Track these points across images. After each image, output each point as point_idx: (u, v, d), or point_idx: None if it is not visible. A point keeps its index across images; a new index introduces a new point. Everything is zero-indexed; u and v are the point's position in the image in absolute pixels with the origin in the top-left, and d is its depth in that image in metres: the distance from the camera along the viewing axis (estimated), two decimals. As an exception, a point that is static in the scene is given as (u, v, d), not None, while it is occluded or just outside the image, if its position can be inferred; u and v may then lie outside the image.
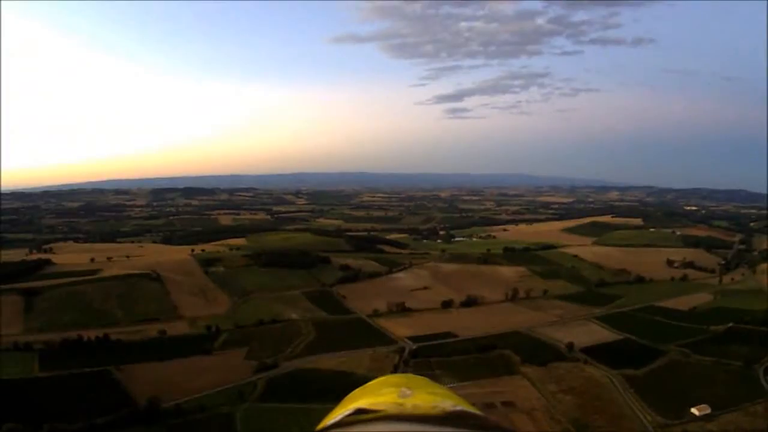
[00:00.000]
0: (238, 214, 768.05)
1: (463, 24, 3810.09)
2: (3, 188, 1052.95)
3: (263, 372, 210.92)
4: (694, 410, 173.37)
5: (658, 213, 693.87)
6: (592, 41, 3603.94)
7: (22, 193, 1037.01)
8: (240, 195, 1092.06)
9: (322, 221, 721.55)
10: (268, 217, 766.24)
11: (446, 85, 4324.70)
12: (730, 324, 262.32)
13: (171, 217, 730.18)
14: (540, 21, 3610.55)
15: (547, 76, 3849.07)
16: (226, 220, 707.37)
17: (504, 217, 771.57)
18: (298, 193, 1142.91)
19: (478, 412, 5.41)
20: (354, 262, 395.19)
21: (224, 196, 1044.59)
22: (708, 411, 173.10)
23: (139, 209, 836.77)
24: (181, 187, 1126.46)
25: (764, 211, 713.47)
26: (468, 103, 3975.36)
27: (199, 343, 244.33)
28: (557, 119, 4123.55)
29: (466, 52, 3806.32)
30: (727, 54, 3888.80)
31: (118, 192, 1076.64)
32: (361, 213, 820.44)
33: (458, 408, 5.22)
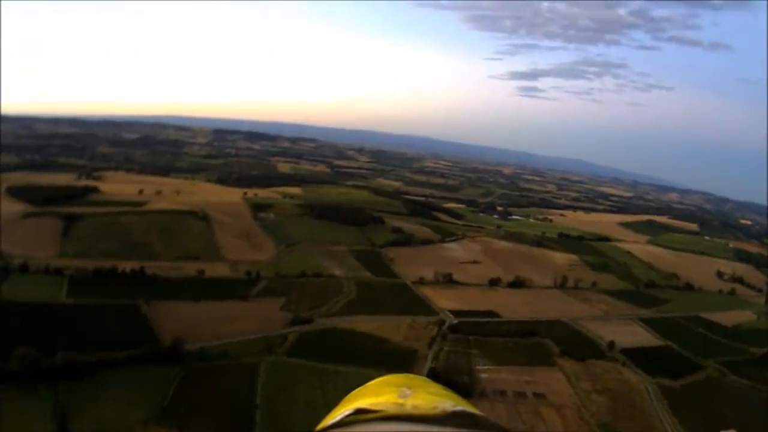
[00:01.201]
0: (298, 163, 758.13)
1: (545, 4, 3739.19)
2: (62, 114, 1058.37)
3: (297, 326, 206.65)
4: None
5: (714, 222, 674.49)
6: (670, 39, 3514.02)
7: (82, 120, 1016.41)
8: (302, 144, 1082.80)
9: (382, 181, 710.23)
10: (328, 170, 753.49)
11: (521, 63, 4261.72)
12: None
13: (229, 159, 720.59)
14: (622, 12, 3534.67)
15: (622, 68, 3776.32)
16: (284, 167, 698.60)
17: (563, 201, 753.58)
18: (360, 150, 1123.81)
19: (478, 412, 5.32)
20: (407, 225, 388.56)
21: (286, 144, 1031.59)
22: None
23: (198, 147, 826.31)
24: (245, 130, 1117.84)
25: None
26: (541, 83, 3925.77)
27: (237, 288, 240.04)
28: (627, 112, 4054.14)
29: (545, 32, 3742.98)
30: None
31: (180, 128, 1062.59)
32: (421, 178, 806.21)
33: (458, 408, 5.09)
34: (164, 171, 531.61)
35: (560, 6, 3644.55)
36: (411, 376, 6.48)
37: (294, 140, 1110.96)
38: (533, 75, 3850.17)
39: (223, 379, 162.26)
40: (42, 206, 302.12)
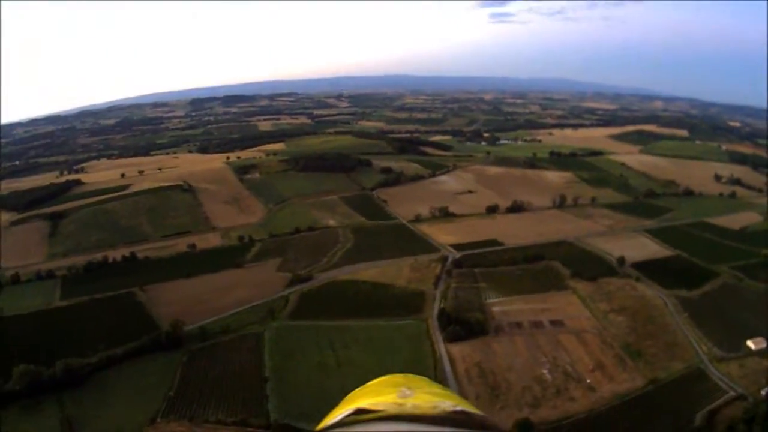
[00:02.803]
0: (278, 119, 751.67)
1: None
2: (39, 114, 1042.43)
3: (297, 285, 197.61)
4: (750, 343, 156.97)
5: (703, 126, 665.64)
6: None
7: (59, 116, 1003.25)
8: (281, 100, 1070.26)
9: (364, 124, 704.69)
10: (309, 121, 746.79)
11: None
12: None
13: (209, 126, 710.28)
14: None
15: None
16: (265, 125, 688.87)
17: (549, 121, 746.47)
18: (339, 97, 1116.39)
19: (478, 412, 5.38)
20: (396, 164, 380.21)
21: (264, 102, 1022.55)
22: (764, 345, 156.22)
23: (178, 120, 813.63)
24: (221, 96, 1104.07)
25: None
26: (512, 7, 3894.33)
27: (231, 256, 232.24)
28: (602, 27, 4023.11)
29: None
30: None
31: (156, 105, 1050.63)
32: (403, 115, 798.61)
33: (458, 408, 5.22)
34: (145, 150, 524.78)
35: None
36: (411, 376, 6.65)
37: (272, 97, 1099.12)
38: (502, 1, 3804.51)
39: (228, 355, 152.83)
40: (26, 211, 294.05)
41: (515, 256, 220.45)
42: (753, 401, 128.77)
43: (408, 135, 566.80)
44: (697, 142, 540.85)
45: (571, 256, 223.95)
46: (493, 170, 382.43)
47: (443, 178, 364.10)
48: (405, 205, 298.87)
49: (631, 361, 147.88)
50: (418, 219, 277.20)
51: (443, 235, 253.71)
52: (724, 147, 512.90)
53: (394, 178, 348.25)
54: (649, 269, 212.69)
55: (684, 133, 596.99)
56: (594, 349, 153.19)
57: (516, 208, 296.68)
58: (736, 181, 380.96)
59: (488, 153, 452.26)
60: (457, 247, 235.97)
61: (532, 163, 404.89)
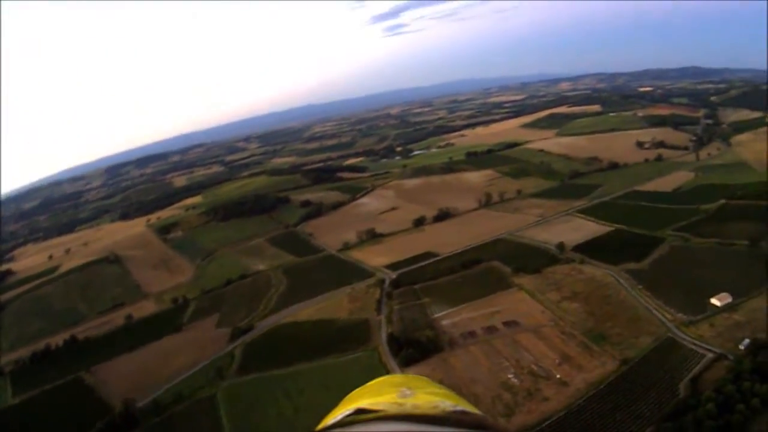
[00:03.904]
0: (192, 173, 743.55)
1: None
2: None
3: (239, 338, 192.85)
4: (714, 301, 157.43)
5: (614, 97, 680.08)
6: None
7: None
8: (192, 152, 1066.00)
9: (277, 161, 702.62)
10: (222, 168, 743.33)
11: (382, 5, 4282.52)
12: (722, 201, 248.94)
13: (127, 191, 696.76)
14: None
15: None
16: (180, 181, 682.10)
17: (459, 123, 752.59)
18: (248, 139, 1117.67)
19: (477, 412, 5.52)
20: (314, 196, 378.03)
21: (176, 158, 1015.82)
22: (729, 300, 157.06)
23: (96, 191, 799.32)
24: (135, 158, 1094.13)
25: (722, 85, 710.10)
26: (404, 18, 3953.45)
27: (169, 321, 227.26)
28: (498, 20, 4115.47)
29: None
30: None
31: (74, 179, 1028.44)
32: (314, 145, 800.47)
33: (458, 408, 5.38)
34: (69, 228, 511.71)
35: None
36: (411, 376, 6.80)
37: (183, 151, 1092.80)
38: (395, 12, 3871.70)
39: (186, 425, 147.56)
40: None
41: (452, 265, 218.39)
42: (735, 358, 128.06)
43: (321, 164, 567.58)
44: (612, 114, 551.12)
45: (509, 253, 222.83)
46: (412, 182, 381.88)
47: (364, 200, 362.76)
48: (331, 234, 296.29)
49: (596, 347, 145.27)
50: (346, 246, 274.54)
51: (375, 257, 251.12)
52: (640, 113, 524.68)
53: (316, 210, 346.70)
54: (591, 249, 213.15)
55: (596, 108, 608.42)
56: (555, 342, 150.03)
57: (443, 216, 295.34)
58: (660, 144, 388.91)
59: (404, 166, 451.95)
60: (392, 266, 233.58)
61: (450, 167, 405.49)
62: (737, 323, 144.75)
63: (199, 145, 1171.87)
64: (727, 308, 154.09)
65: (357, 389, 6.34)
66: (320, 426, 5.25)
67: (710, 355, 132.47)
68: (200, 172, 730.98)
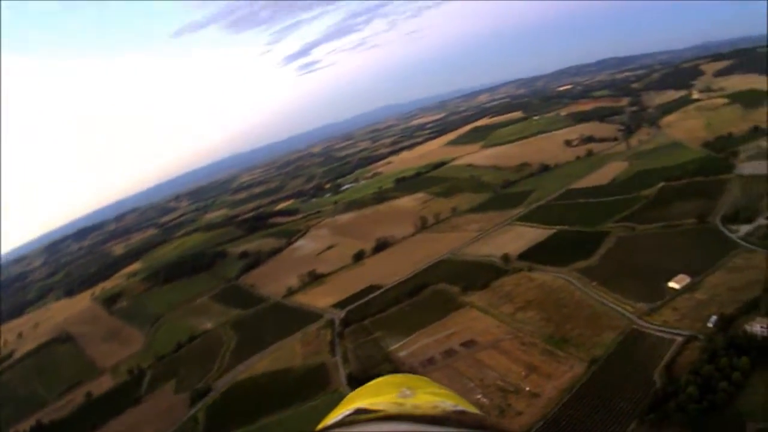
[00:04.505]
0: (129, 239, 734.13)
1: None
2: None
3: (199, 402, 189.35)
4: (672, 284, 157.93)
5: (534, 101, 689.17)
6: None
7: None
8: (127, 219, 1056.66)
9: (209, 216, 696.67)
10: (158, 230, 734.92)
11: (291, 44, 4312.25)
12: (662, 184, 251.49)
13: (68, 267, 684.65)
14: None
15: (388, 4, 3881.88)
16: (119, 248, 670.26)
17: (383, 151, 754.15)
18: (178, 198, 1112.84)
19: (478, 412, 5.58)
20: (251, 245, 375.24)
21: (112, 226, 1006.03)
22: (688, 280, 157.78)
23: (38, 270, 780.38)
24: (73, 231, 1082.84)
25: (641, 71, 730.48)
26: (316, 54, 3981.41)
27: (127, 393, 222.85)
28: (408, 42, 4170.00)
29: (303, 5, 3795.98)
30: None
31: (17, 260, 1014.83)
32: (243, 195, 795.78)
33: (458, 408, 5.46)
34: (18, 310, 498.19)
35: None
36: (411, 376, 6.81)
37: (118, 218, 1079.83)
38: (305, 50, 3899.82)
39: None
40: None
41: (399, 294, 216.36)
42: (705, 337, 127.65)
43: (253, 213, 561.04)
44: (535, 118, 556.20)
45: (454, 273, 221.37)
46: (346, 217, 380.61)
47: (300, 242, 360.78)
48: (273, 282, 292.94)
49: (560, 352, 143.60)
50: (290, 292, 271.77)
51: (320, 298, 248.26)
52: (563, 113, 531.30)
53: (254, 260, 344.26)
54: (537, 255, 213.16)
55: (518, 114, 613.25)
56: (517, 354, 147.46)
57: (381, 246, 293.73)
58: (588, 139, 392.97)
59: (335, 203, 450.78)
60: (339, 305, 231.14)
61: (381, 196, 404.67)
62: (700, 302, 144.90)
63: (133, 210, 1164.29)
64: (687, 289, 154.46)
65: (357, 389, 6.38)
66: (320, 426, 5.35)
67: (680, 339, 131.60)
68: (137, 238, 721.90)
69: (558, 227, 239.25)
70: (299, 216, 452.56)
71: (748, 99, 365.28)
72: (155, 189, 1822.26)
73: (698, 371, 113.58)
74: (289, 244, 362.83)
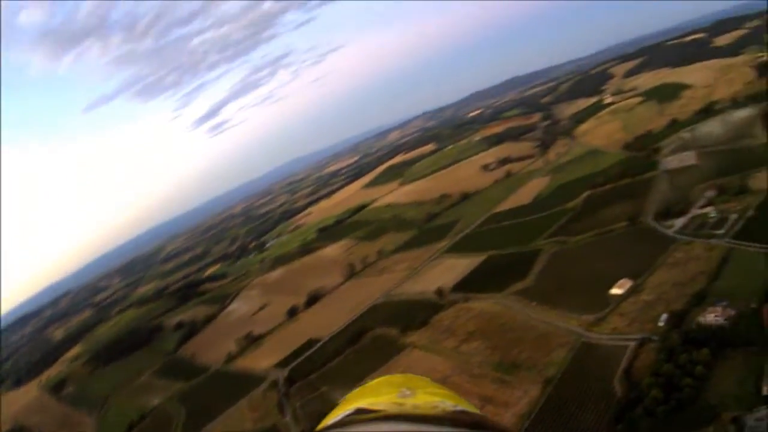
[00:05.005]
0: (68, 321, 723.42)
1: (196, 40, 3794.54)
2: None
3: None
4: (614, 290, 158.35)
5: (445, 131, 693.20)
6: (323, 1, 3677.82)
7: None
8: (62, 302, 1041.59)
9: (141, 290, 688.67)
10: (92, 311, 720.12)
11: (200, 107, 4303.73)
12: (587, 193, 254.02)
13: (12, 356, 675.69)
14: (267, 4, 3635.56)
15: (290, 54, 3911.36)
16: (59, 333, 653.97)
17: (302, 202, 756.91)
18: (109, 275, 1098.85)
19: (478, 412, 5.62)
20: (185, 315, 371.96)
21: (48, 312, 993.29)
22: (630, 284, 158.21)
23: None
24: (13, 320, 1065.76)
25: (550, 84, 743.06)
26: (225, 113, 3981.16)
27: None
28: (314, 89, 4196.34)
29: (208, 65, 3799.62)
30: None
31: None
32: (171, 264, 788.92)
33: (458, 408, 5.48)
34: None
35: (210, 34, 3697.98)
36: (411, 376, 6.78)
37: (53, 303, 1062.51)
38: (214, 111, 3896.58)
39: None
40: None
41: (338, 345, 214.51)
42: (659, 337, 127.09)
43: (183, 282, 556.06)
44: (449, 147, 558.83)
45: (390, 315, 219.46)
46: (274, 275, 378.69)
47: (233, 306, 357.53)
48: (212, 349, 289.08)
49: (512, 378, 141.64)
50: (230, 357, 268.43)
51: (261, 360, 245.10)
52: (476, 138, 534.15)
53: (190, 330, 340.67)
54: (471, 285, 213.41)
55: (431, 147, 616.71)
56: (468, 387, 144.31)
57: (314, 299, 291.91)
58: (505, 161, 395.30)
59: (262, 261, 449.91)
60: (281, 364, 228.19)
61: (306, 249, 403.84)
62: (647, 303, 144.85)
63: (66, 293, 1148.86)
64: (630, 293, 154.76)
65: (357, 389, 6.26)
66: (320, 426, 5.37)
67: (633, 344, 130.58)
68: (75, 320, 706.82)
69: (488, 253, 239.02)
70: (228, 279, 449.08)
71: (662, 94, 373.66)
72: (85, 269, 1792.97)
73: (659, 372, 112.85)
74: (222, 309, 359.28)
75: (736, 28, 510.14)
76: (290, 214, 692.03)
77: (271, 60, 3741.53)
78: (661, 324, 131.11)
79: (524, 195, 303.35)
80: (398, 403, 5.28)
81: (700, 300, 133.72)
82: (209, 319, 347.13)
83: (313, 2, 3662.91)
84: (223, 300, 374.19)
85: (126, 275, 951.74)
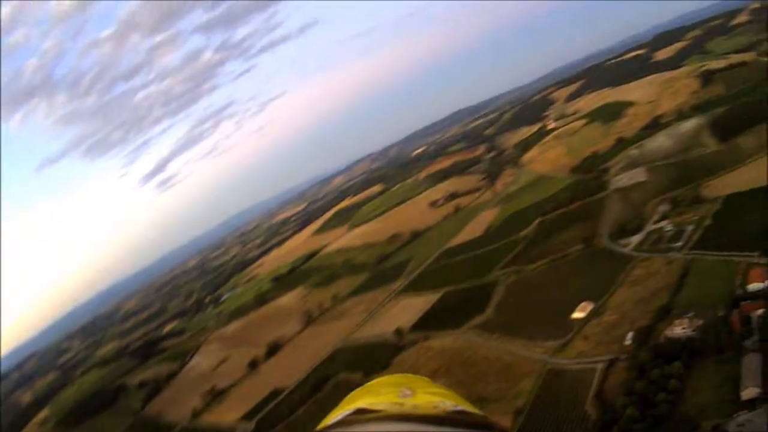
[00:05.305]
0: (33, 386, 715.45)
1: (140, 94, 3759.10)
2: None
3: None
4: (576, 314, 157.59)
5: (391, 171, 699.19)
6: (262, 50, 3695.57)
7: None
8: (28, 365, 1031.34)
9: (102, 351, 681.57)
10: (58, 372, 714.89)
11: (147, 163, 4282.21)
12: (538, 220, 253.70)
13: None
14: (207, 55, 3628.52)
15: (232, 105, 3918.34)
16: (26, 397, 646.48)
17: (254, 253, 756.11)
18: (70, 337, 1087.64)
19: (478, 412, 5.53)
20: (147, 374, 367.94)
21: (16, 374, 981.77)
22: (591, 306, 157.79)
23: None
24: None
25: (492, 115, 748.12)
26: (172, 168, 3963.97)
27: None
28: (258, 138, 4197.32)
29: (152, 120, 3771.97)
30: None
31: None
32: (130, 323, 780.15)
33: (459, 408, 5.37)
34: None
35: (153, 88, 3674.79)
36: (411, 376, 6.57)
37: (20, 365, 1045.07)
38: (160, 167, 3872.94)
39: None
40: None
41: (302, 394, 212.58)
42: (628, 356, 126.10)
43: (143, 340, 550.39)
44: (395, 187, 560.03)
45: (352, 360, 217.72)
46: (232, 328, 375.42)
47: (194, 361, 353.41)
48: (177, 407, 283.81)
49: (481, 412, 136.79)
50: (196, 413, 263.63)
51: (227, 414, 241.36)
52: (422, 176, 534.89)
53: (153, 388, 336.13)
54: (430, 323, 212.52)
55: (378, 188, 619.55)
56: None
57: (273, 350, 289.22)
58: (453, 196, 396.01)
59: (219, 314, 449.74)
60: (247, 417, 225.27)
61: (262, 300, 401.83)
62: (611, 323, 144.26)
63: (31, 356, 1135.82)
64: (593, 315, 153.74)
65: (357, 389, 5.91)
66: (320, 426, 5.39)
67: (601, 366, 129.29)
68: (40, 383, 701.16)
69: (444, 290, 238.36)
70: (187, 335, 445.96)
71: (606, 114, 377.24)
72: (48, 331, 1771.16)
73: (632, 391, 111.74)
74: (184, 365, 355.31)
75: (677, 41, 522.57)
76: (243, 265, 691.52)
77: (213, 112, 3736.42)
78: (627, 343, 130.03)
79: (475, 228, 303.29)
80: (398, 403, 5.15)
81: (665, 314, 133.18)
82: (172, 376, 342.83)
83: (252, 51, 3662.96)
84: (184, 356, 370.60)
85: (86, 336, 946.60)
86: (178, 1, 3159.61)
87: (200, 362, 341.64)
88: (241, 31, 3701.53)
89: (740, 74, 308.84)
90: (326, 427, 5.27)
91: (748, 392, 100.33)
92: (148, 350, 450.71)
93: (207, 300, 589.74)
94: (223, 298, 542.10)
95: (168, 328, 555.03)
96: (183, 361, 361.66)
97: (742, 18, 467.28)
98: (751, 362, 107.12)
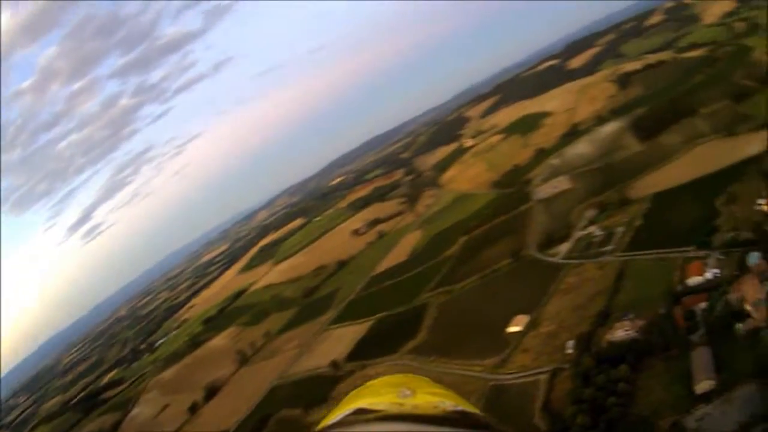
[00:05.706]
0: None
1: (62, 144, 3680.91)
2: None
3: None
4: (512, 328, 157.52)
5: (311, 203, 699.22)
6: (177, 91, 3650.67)
7: None
8: None
9: (47, 406, 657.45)
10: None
11: (71, 214, 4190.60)
12: (463, 238, 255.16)
13: None
14: (124, 101, 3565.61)
15: (151, 149, 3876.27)
16: None
17: (183, 296, 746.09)
18: (16, 394, 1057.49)
19: (478, 412, 5.71)
20: (92, 426, 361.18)
21: None
22: (526, 319, 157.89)
23: None
24: None
25: (407, 139, 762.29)
26: (97, 218, 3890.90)
27: None
28: (178, 181, 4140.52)
29: (75, 169, 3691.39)
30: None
31: None
32: (70, 376, 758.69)
33: (459, 408, 5.52)
34: None
35: (74, 137, 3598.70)
36: (411, 376, 6.75)
37: None
38: (85, 216, 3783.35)
39: None
40: None
41: None
42: (571, 364, 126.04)
43: (85, 393, 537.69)
44: (317, 219, 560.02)
45: (290, 396, 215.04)
46: (169, 373, 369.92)
47: (135, 410, 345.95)
48: None
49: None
50: None
51: None
52: (342, 205, 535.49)
53: None
54: (364, 351, 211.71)
55: (299, 221, 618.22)
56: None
57: (212, 393, 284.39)
58: (375, 222, 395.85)
59: (155, 361, 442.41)
60: None
61: (195, 343, 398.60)
62: (549, 333, 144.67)
63: None
64: (530, 327, 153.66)
65: (357, 389, 6.07)
66: (320, 426, 5.42)
67: (544, 377, 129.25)
68: None
69: (375, 317, 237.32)
70: (126, 384, 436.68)
71: (523, 126, 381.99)
72: None
73: (581, 398, 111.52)
74: (126, 414, 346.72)
75: (590, 47, 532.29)
76: (174, 309, 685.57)
77: (133, 157, 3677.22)
78: (569, 351, 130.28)
79: (400, 252, 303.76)
80: (398, 403, 5.29)
81: (605, 319, 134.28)
82: (115, 427, 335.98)
83: (167, 93, 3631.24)
84: (125, 405, 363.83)
85: (30, 391, 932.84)
86: (93, 45, 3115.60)
87: (142, 411, 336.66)
88: (155, 74, 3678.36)
89: (658, 74, 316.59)
90: (326, 427, 5.24)
91: (702, 385, 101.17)
92: (90, 402, 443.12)
93: (142, 347, 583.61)
94: (157, 344, 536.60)
95: (107, 378, 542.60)
96: (125, 411, 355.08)
97: (656, 18, 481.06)
98: (700, 355, 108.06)
